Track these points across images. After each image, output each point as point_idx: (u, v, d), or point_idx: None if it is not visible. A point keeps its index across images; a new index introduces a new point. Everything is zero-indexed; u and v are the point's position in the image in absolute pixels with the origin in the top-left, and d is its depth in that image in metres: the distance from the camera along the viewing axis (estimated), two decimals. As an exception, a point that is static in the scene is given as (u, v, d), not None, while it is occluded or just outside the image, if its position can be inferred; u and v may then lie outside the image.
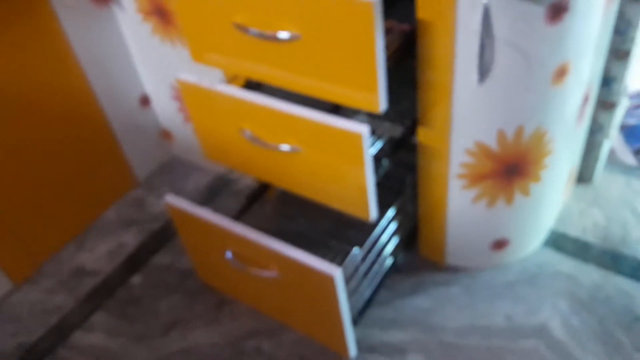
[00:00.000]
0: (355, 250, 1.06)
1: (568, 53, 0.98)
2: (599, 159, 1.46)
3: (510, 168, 1.12)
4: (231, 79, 1.26)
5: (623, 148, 1.62)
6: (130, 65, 1.58)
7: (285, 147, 1.05)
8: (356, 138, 0.93)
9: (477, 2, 0.88)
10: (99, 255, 1.53)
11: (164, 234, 1.56)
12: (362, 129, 0.92)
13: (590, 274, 1.29)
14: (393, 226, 1.19)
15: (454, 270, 1.33)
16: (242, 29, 0.98)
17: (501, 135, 1.05)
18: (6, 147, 1.35)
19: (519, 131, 1.05)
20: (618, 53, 1.26)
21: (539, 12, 0.89)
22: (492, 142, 1.07)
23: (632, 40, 1.23)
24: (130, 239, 1.56)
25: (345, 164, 0.99)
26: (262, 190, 1.51)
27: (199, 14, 1.06)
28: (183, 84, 1.14)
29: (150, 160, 1.77)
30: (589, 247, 1.35)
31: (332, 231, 1.47)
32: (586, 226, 1.40)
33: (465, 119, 1.04)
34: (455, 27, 0.92)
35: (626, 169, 1.54)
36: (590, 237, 1.37)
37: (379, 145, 1.01)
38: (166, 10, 1.34)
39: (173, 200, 1.22)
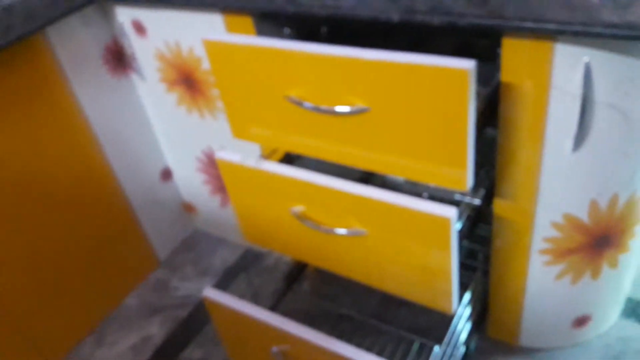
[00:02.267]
0: (436, 349, 0.90)
1: (670, 111, 0.85)
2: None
3: (600, 240, 0.97)
4: (270, 154, 1.13)
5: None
6: (151, 138, 1.45)
7: (346, 230, 0.90)
8: (442, 222, 0.79)
9: (577, 61, 0.76)
10: (121, 350, 1.35)
11: (193, 323, 1.38)
12: (449, 212, 0.78)
13: (680, 348, 1.14)
14: (467, 311, 1.03)
15: (529, 352, 1.17)
16: (297, 102, 0.85)
17: (593, 206, 0.92)
18: (15, 230, 1.19)
19: (614, 200, 0.91)
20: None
21: (645, 68, 0.77)
22: (582, 214, 0.93)
23: None
24: (156, 330, 1.38)
25: (425, 250, 0.84)
26: (300, 269, 1.35)
27: (246, 88, 0.93)
28: (222, 162, 1.00)
29: (172, 236, 1.61)
30: (672, 315, 1.20)
31: (380, 312, 1.31)
32: (665, 292, 1.25)
33: (554, 189, 0.90)
34: (549, 90, 0.80)
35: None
36: (671, 304, 1.22)
37: (459, 225, 0.87)
38: (194, 79, 1.21)
39: (212, 294, 1.06)
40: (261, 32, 1.03)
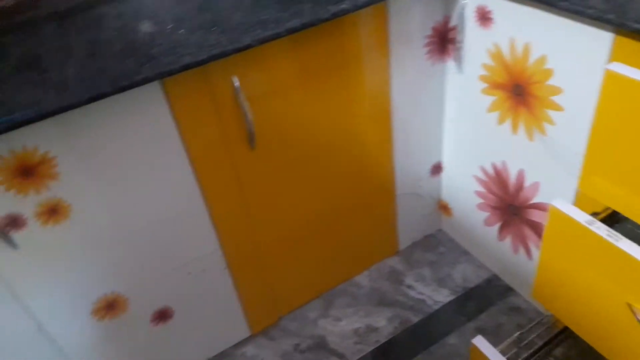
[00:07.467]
0: None
1: None
2: None
3: None
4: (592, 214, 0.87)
5: None
6: (437, 130, 1.27)
7: None
8: None
9: None
10: (344, 331, 1.25)
11: (422, 334, 1.22)
12: None
13: None
14: None
15: None
16: None
17: None
18: (288, 182, 1.12)
19: None
20: None
21: None
22: None
23: None
24: (383, 324, 1.25)
25: None
26: (560, 332, 1.10)
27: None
28: (557, 212, 0.78)
29: (417, 229, 1.45)
30: None
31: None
32: None
33: None
34: None
35: None
36: None
37: None
38: (528, 91, 0.98)
39: (481, 344, 0.87)
40: None
